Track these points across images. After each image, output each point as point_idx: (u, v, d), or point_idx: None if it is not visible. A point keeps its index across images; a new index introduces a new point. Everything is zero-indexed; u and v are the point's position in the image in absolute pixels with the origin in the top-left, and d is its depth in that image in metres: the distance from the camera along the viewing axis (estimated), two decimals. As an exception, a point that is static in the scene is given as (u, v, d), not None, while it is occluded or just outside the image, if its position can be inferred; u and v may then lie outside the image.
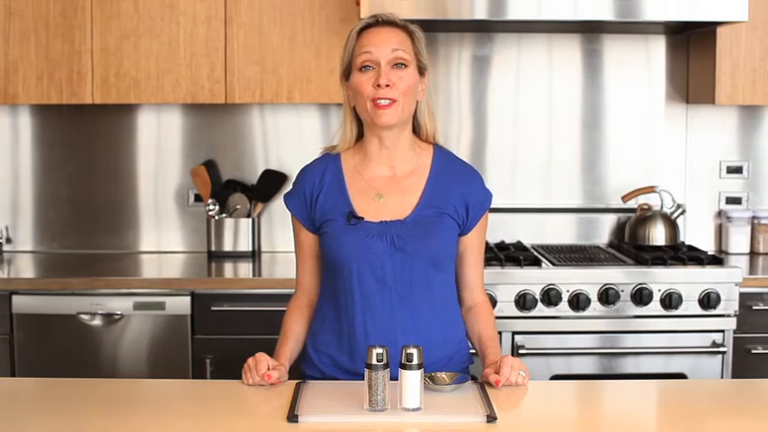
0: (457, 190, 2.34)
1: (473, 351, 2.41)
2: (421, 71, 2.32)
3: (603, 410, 2.20)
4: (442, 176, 2.35)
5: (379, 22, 2.30)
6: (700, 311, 3.33)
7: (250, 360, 2.22)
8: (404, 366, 1.98)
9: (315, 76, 3.59)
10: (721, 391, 2.36)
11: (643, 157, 3.97)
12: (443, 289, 2.34)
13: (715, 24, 3.52)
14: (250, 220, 3.87)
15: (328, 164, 2.37)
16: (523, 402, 2.16)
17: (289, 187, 2.44)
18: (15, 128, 3.96)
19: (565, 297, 3.31)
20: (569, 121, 3.96)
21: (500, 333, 3.25)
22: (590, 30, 3.87)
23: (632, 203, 3.88)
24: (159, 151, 3.97)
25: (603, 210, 3.96)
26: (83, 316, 3.37)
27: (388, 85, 2.24)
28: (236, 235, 3.86)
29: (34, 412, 2.05)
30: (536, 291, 3.32)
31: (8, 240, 3.97)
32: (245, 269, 3.70)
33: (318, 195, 2.34)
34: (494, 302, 3.28)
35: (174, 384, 2.48)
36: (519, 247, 3.79)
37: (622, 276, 3.34)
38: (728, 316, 3.34)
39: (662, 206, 3.81)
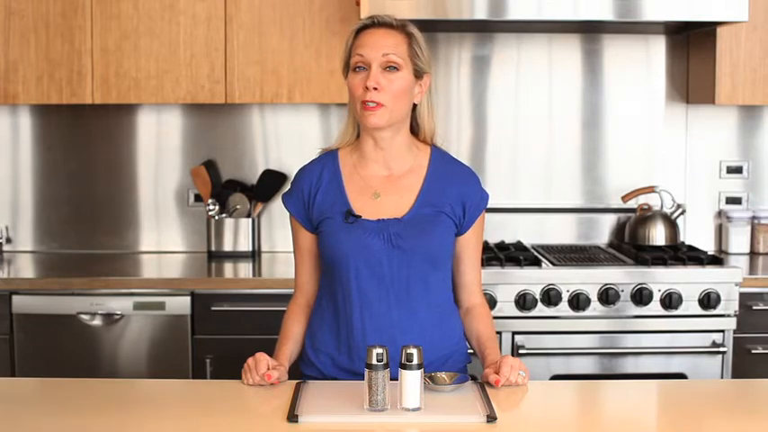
0: (454, 190, 2.34)
1: (471, 351, 2.41)
2: (418, 74, 2.31)
3: (603, 410, 2.20)
4: (440, 176, 2.35)
5: (375, 23, 2.30)
6: (700, 311, 3.33)
7: (250, 360, 2.22)
8: (404, 366, 1.98)
9: (315, 76, 3.59)
10: (721, 391, 2.36)
11: (643, 157, 3.97)
12: (441, 288, 2.34)
13: (715, 24, 3.52)
14: (250, 220, 3.87)
15: (326, 163, 2.37)
16: (523, 402, 2.16)
17: (288, 187, 2.43)
18: (15, 128, 3.96)
19: (565, 297, 3.32)
20: (569, 121, 3.96)
21: (500, 333, 3.26)
22: (590, 30, 3.87)
23: (632, 203, 3.88)
24: (159, 151, 3.97)
25: (603, 210, 3.96)
26: (83, 316, 3.37)
27: (375, 88, 2.24)
28: (236, 235, 3.86)
29: (34, 412, 2.05)
30: (536, 291, 3.32)
31: (8, 240, 3.97)
32: (245, 269, 3.70)
33: (316, 194, 2.34)
34: (494, 302, 3.28)
35: (174, 384, 2.48)
36: (519, 247, 3.78)
37: (622, 276, 3.34)
38: (728, 316, 3.34)
39: (662, 206, 3.81)
